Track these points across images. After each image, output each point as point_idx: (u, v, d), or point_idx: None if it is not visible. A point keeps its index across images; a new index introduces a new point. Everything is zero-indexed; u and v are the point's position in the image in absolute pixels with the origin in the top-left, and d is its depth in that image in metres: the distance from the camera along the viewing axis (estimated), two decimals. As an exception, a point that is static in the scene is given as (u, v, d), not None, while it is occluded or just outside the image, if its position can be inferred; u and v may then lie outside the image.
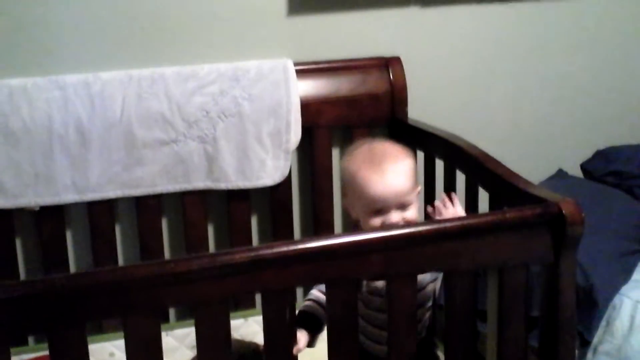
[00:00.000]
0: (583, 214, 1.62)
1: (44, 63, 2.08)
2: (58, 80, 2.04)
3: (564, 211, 1.61)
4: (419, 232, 1.55)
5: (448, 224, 1.57)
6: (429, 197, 2.23)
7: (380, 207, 1.68)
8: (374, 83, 2.30)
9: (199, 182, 2.16)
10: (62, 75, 2.05)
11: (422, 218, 1.91)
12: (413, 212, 1.72)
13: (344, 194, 1.83)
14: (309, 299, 1.79)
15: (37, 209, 2.05)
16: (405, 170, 1.72)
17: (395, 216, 1.69)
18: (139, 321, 1.42)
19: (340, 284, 1.53)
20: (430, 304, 1.85)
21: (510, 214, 1.61)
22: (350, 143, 2.27)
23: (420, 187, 1.77)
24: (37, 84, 2.03)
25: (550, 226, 1.62)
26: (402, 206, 1.70)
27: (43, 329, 1.39)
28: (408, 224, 1.68)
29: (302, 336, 1.69)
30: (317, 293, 1.78)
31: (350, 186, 1.74)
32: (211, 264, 1.42)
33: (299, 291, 2.39)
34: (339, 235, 1.57)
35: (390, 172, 1.69)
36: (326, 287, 1.54)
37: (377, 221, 1.69)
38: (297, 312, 1.73)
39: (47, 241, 2.10)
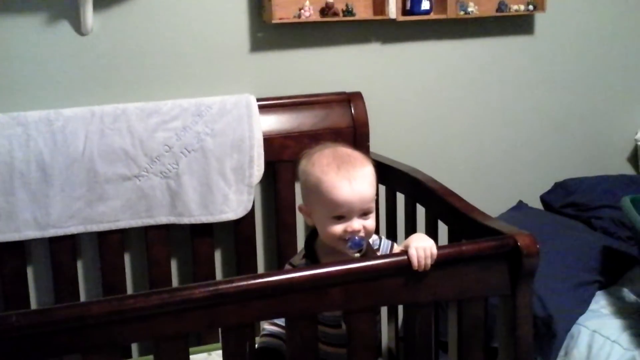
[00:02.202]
0: (538, 246, 1.65)
1: (5, 100, 2.08)
2: (19, 117, 2.04)
3: (519, 243, 1.64)
4: (378, 266, 1.57)
5: (406, 257, 1.59)
6: (390, 230, 2.26)
7: (343, 214, 1.64)
8: (336, 118, 2.34)
9: (162, 217, 2.16)
10: (23, 112, 2.06)
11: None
12: (372, 220, 1.68)
13: (303, 198, 1.77)
14: (265, 335, 1.77)
15: (-2, 245, 2.04)
16: (370, 177, 1.69)
17: (357, 223, 1.64)
18: (98, 358, 1.42)
19: (300, 318, 1.54)
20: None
21: (467, 247, 1.64)
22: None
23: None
24: (-1, 121, 2.03)
25: (506, 258, 1.66)
26: (364, 213, 1.66)
27: (0, 367, 1.38)
28: (366, 258, 1.69)
29: None
30: (271, 327, 1.77)
31: (313, 190, 1.68)
32: (170, 300, 1.42)
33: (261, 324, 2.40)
34: (299, 270, 1.59)
35: (357, 178, 1.65)
36: (286, 321, 1.55)
37: (338, 228, 1.64)
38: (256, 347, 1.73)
39: (8, 277, 2.08)
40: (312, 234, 1.77)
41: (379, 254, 1.76)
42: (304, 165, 1.73)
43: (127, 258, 2.24)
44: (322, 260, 1.72)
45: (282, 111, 2.30)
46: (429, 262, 1.57)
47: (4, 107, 2.07)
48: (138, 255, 2.25)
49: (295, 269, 1.69)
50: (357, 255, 1.68)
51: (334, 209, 1.64)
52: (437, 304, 2.03)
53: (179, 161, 2.14)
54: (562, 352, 2.06)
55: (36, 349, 1.37)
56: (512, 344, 1.69)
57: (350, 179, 1.64)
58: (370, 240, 1.77)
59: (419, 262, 1.56)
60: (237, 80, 2.29)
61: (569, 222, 2.51)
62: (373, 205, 1.68)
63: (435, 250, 1.58)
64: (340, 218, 1.65)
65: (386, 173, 2.23)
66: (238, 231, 2.26)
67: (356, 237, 1.64)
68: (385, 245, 1.80)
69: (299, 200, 2.34)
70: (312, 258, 1.74)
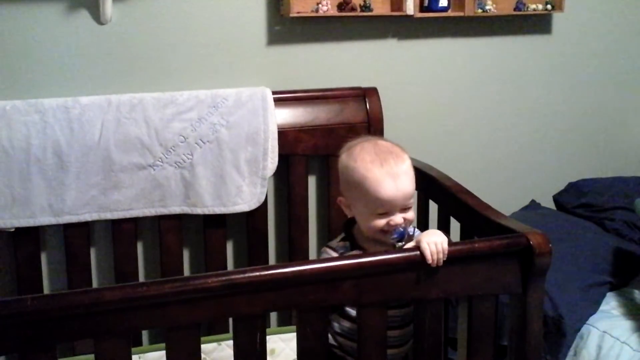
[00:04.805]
0: (550, 245, 1.65)
1: (23, 86, 2.10)
2: (37, 104, 2.06)
3: (532, 242, 1.64)
4: (390, 260, 1.58)
5: (419, 253, 1.59)
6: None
7: (387, 210, 1.68)
8: (350, 113, 2.34)
9: (176, 207, 2.17)
10: (41, 99, 2.07)
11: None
12: (412, 213, 1.72)
13: (343, 192, 1.78)
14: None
15: (13, 229, 2.06)
16: (411, 171, 1.73)
17: (399, 218, 1.69)
18: (110, 344, 1.43)
19: (311, 310, 1.55)
20: None
21: (479, 244, 1.64)
22: (327, 171, 2.32)
23: None
24: (17, 107, 2.04)
25: (518, 257, 1.66)
26: (406, 208, 1.70)
27: (14, 350, 1.39)
28: (381, 252, 1.69)
29: None
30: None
31: (356, 187, 1.71)
32: (183, 288, 1.44)
33: (273, 316, 2.41)
34: (311, 262, 1.60)
35: (400, 175, 1.68)
36: (297, 313, 1.56)
37: (381, 222, 1.68)
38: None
39: (22, 263, 2.10)
40: (350, 219, 1.80)
41: None
42: (345, 160, 1.75)
43: (139, 247, 2.26)
44: (361, 244, 1.76)
45: (297, 105, 2.30)
46: (441, 256, 1.58)
47: (22, 93, 2.09)
48: (151, 244, 2.27)
49: (307, 261, 1.71)
50: (400, 244, 1.70)
51: (378, 206, 1.68)
52: (447, 300, 2.04)
53: (193, 152, 2.15)
54: (571, 352, 2.06)
55: (49, 333, 1.39)
56: (522, 343, 1.70)
57: (394, 177, 1.67)
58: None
59: (431, 256, 1.57)
60: (254, 73, 2.30)
61: (582, 222, 2.50)
62: (412, 199, 1.72)
63: (446, 245, 1.59)
64: (383, 213, 1.68)
65: (400, 169, 2.23)
66: (250, 223, 2.27)
67: (400, 228, 1.69)
68: (417, 234, 1.80)
69: (311, 194, 2.37)
70: (351, 242, 1.77)
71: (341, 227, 1.86)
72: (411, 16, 2.34)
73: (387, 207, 1.68)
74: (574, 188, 2.69)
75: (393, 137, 2.36)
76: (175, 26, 2.21)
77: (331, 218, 2.33)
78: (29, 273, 2.11)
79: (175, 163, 2.15)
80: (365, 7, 2.30)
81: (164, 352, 1.52)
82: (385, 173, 1.67)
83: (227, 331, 2.21)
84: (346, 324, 1.77)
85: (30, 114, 2.05)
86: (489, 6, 2.45)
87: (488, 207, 1.87)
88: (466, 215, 1.91)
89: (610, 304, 2.17)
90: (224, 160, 2.17)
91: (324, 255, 1.78)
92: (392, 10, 2.37)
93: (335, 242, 1.82)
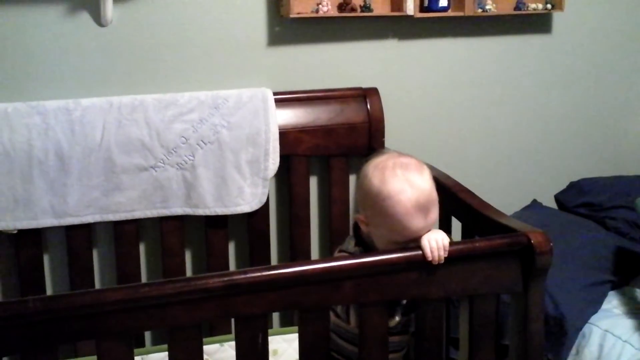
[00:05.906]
0: (551, 245, 1.65)
1: (24, 88, 2.10)
2: (38, 106, 2.06)
3: (532, 241, 1.65)
4: (390, 260, 1.58)
5: (419, 252, 1.59)
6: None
7: (411, 240, 1.65)
8: (351, 113, 2.34)
9: (177, 208, 2.18)
10: (42, 101, 2.08)
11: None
12: None
13: (365, 211, 1.72)
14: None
15: (15, 232, 2.06)
16: (436, 193, 1.69)
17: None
18: (112, 345, 1.44)
19: (312, 310, 1.55)
20: (413, 329, 1.85)
21: (480, 244, 1.64)
22: (328, 172, 2.32)
23: None
24: (18, 109, 2.05)
25: (519, 256, 1.66)
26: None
27: (16, 351, 1.40)
28: (381, 251, 1.70)
29: None
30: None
31: (383, 214, 1.65)
32: (185, 289, 1.44)
33: (275, 317, 2.41)
34: (311, 262, 1.61)
35: (431, 208, 1.65)
36: (299, 313, 1.57)
37: (395, 246, 1.66)
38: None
39: (25, 264, 2.11)
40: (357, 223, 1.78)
41: None
42: (374, 183, 1.68)
43: (141, 248, 2.26)
44: (375, 249, 1.73)
45: (298, 105, 2.31)
46: (442, 253, 1.58)
47: (23, 96, 2.09)
48: (152, 245, 2.27)
49: (309, 261, 1.71)
50: None
51: (404, 237, 1.65)
52: (448, 300, 2.04)
53: (195, 153, 2.16)
54: (573, 351, 2.06)
55: (51, 334, 1.39)
56: (523, 342, 1.70)
57: (425, 212, 1.64)
58: None
59: (432, 252, 1.57)
60: (254, 74, 2.30)
61: (583, 221, 2.50)
62: None
63: (447, 242, 1.59)
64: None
65: (400, 169, 2.23)
66: (252, 223, 2.28)
67: None
68: None
69: (313, 194, 2.37)
70: (365, 247, 1.75)
71: (352, 230, 1.84)
72: (411, 16, 2.35)
73: (411, 238, 1.64)
74: (574, 187, 2.69)
75: (394, 137, 2.39)
76: (176, 27, 2.21)
77: (332, 218, 2.34)
78: (32, 275, 2.12)
79: (177, 164, 2.15)
80: (366, 8, 2.31)
81: (166, 353, 1.52)
82: (417, 208, 1.63)
83: (229, 332, 2.21)
84: (334, 319, 1.78)
85: (31, 116, 2.06)
86: (489, 6, 2.46)
87: (489, 206, 1.87)
88: (467, 214, 1.91)
89: (612, 303, 2.17)
90: (225, 161, 2.18)
91: None
92: (392, 10, 2.37)
93: (351, 247, 1.78)
